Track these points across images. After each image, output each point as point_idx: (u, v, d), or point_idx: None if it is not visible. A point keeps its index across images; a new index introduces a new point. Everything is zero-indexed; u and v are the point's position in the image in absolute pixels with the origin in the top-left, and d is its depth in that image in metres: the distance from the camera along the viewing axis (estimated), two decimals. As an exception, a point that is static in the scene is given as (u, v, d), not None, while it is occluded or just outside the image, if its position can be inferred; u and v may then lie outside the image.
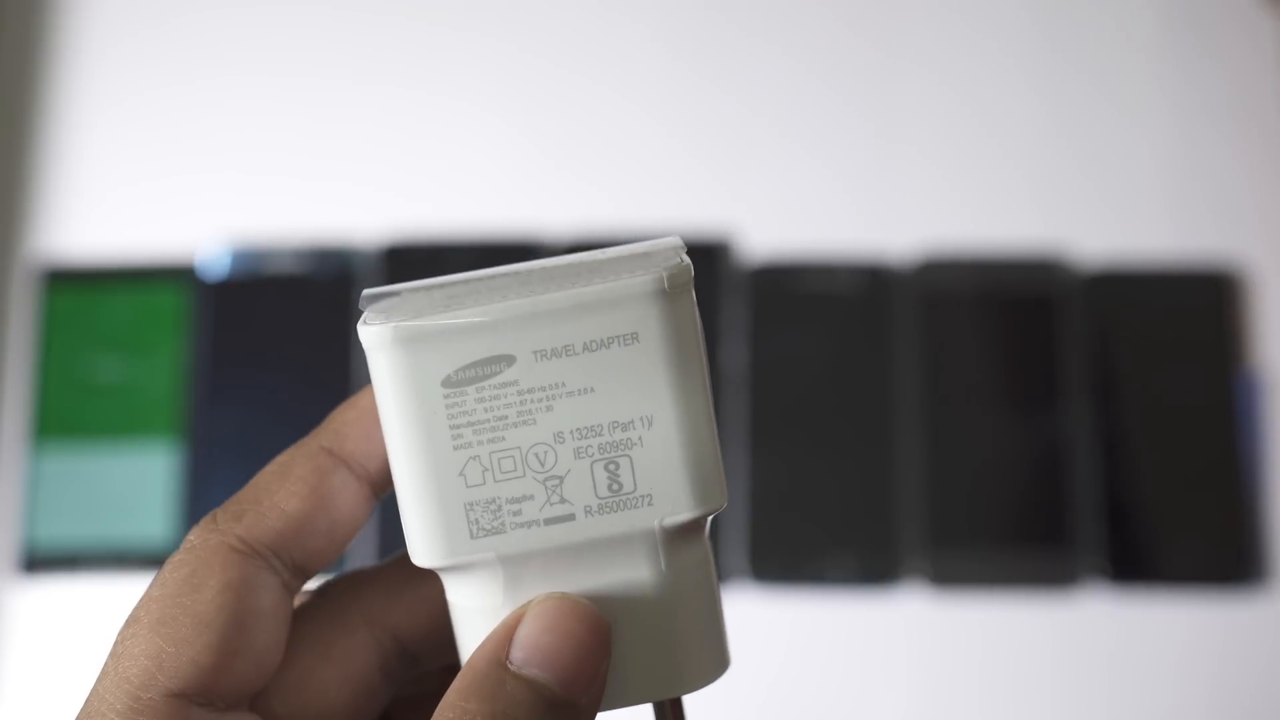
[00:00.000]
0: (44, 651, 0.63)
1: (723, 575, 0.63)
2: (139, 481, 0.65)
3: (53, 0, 0.72)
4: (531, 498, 0.24)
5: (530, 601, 0.25)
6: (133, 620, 0.25)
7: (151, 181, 0.70)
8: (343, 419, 0.27)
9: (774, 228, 0.67)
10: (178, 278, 0.68)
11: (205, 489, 0.64)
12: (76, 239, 0.69)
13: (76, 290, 0.68)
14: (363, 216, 0.68)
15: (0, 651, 0.63)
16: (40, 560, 0.64)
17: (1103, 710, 0.61)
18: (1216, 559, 0.62)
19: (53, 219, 0.69)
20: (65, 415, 0.66)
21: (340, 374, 0.65)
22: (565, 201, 0.68)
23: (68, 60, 0.71)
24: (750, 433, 0.64)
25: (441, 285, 0.25)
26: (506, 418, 0.24)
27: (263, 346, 0.66)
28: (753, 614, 0.62)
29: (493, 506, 0.24)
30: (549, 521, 0.24)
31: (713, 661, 0.26)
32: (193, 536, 0.25)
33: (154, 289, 0.68)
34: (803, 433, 0.64)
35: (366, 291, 0.25)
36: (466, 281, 0.25)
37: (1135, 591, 0.62)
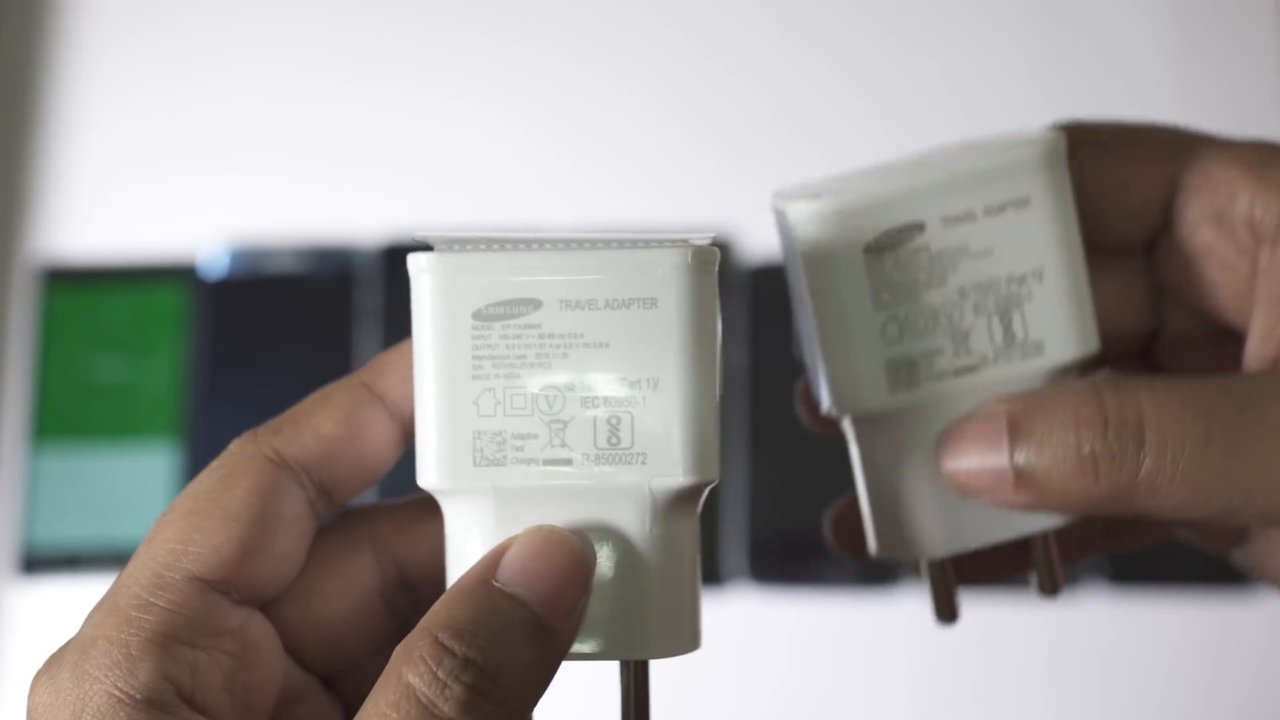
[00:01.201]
0: (44, 652, 0.63)
1: (723, 576, 0.63)
2: (139, 481, 0.65)
3: (53, 0, 0.72)
4: (535, 437, 0.26)
5: (522, 531, 0.26)
6: (168, 510, 0.27)
7: (151, 181, 0.70)
8: (385, 360, 0.28)
9: (775, 227, 0.67)
10: (178, 278, 0.68)
11: (205, 489, 0.64)
12: (76, 239, 0.69)
13: (76, 290, 0.68)
14: (362, 216, 0.68)
15: (0, 652, 0.63)
16: (40, 560, 0.64)
17: (1101, 711, 0.61)
18: (1214, 560, 0.62)
19: (53, 219, 0.69)
20: (65, 415, 0.66)
21: (340, 373, 0.65)
22: (565, 201, 0.68)
23: (68, 60, 0.71)
24: (750, 433, 0.64)
25: (490, 238, 0.27)
26: (525, 358, 0.26)
27: (262, 346, 0.66)
28: (752, 615, 0.62)
29: (498, 439, 0.26)
30: (547, 462, 0.26)
31: (683, 635, 0.27)
32: (233, 445, 0.27)
33: (154, 289, 0.68)
34: (803, 433, 0.64)
35: (420, 233, 0.27)
36: (515, 239, 0.27)
37: (1134, 593, 0.62)
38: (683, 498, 0.26)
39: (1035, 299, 0.28)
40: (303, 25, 0.71)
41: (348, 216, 0.68)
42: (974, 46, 0.70)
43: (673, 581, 0.26)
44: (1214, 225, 0.28)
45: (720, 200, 0.68)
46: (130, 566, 0.26)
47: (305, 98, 0.70)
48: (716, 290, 0.26)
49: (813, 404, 0.31)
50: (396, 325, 0.65)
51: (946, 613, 0.30)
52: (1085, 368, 0.28)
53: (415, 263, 0.26)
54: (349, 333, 0.65)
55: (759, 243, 0.67)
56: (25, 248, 0.69)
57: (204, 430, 0.65)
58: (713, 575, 0.63)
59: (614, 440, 0.26)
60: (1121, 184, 0.29)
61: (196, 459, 0.65)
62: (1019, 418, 0.27)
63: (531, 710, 0.25)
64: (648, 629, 0.26)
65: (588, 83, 0.70)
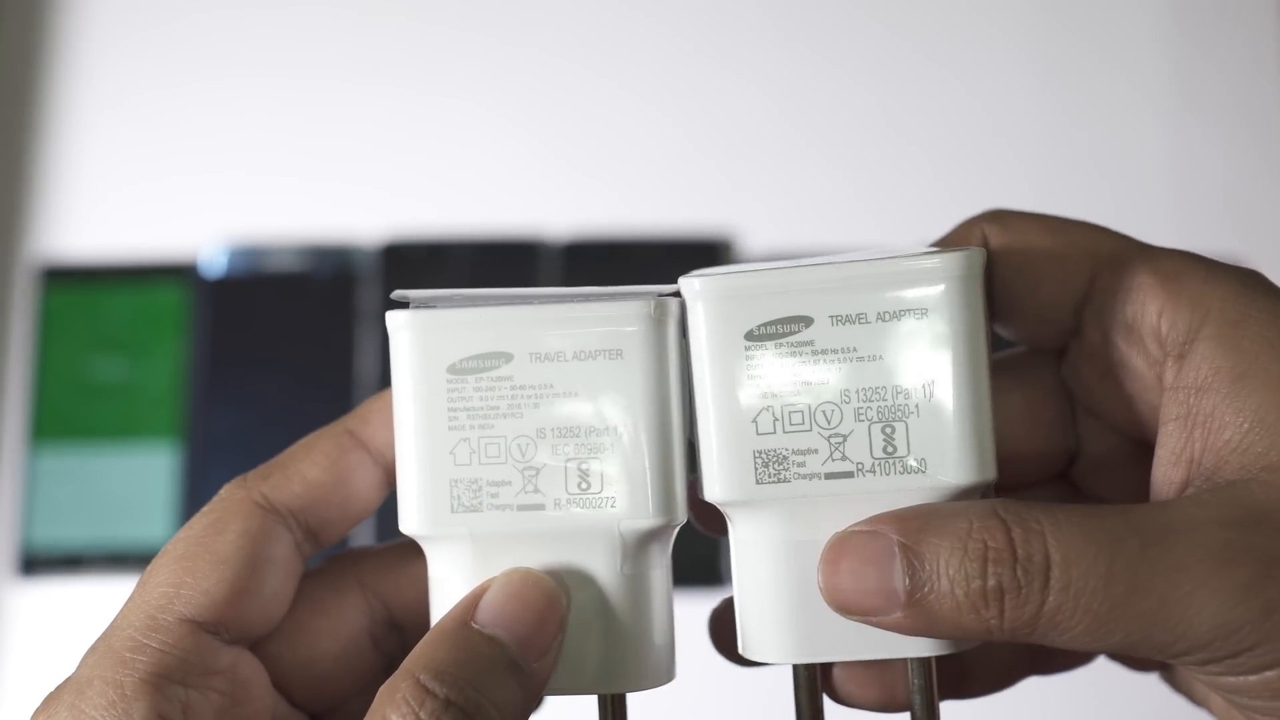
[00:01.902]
0: (43, 653, 0.63)
1: (721, 576, 0.63)
2: (139, 481, 0.65)
3: (53, 0, 0.72)
4: (509, 483, 0.27)
5: (499, 574, 0.27)
6: (161, 555, 0.28)
7: (151, 181, 0.70)
8: (369, 408, 0.30)
9: (775, 227, 0.67)
10: (178, 277, 0.68)
11: (205, 489, 0.64)
12: (76, 239, 0.69)
13: (76, 290, 0.68)
14: (362, 216, 0.68)
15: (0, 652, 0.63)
16: (39, 561, 0.64)
17: (1101, 710, 0.61)
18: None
19: (53, 219, 0.69)
20: (65, 415, 0.66)
21: (340, 372, 0.65)
22: (565, 200, 0.68)
23: (68, 60, 0.71)
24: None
25: (467, 295, 0.28)
26: (498, 408, 0.27)
27: (262, 346, 0.66)
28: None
29: (474, 486, 0.27)
30: (521, 508, 0.27)
31: (657, 669, 0.28)
32: (223, 491, 0.29)
33: (154, 289, 0.68)
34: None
35: (399, 292, 0.28)
36: (489, 295, 0.28)
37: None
38: (651, 538, 0.27)
39: (921, 416, 0.26)
40: (303, 25, 0.71)
41: (348, 216, 0.68)
42: (974, 47, 0.70)
43: (645, 618, 0.28)
44: (1124, 335, 0.28)
45: (720, 200, 0.68)
46: (124, 609, 0.27)
47: (305, 98, 0.70)
48: (678, 340, 0.27)
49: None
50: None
51: None
52: (981, 491, 0.27)
53: (393, 320, 0.27)
54: (349, 332, 0.65)
55: (759, 243, 0.67)
56: (25, 248, 0.69)
57: (204, 430, 0.65)
58: (713, 576, 0.63)
59: (584, 485, 0.27)
60: (1032, 280, 0.28)
61: (196, 459, 0.65)
62: (913, 538, 0.25)
63: None
64: (623, 664, 0.27)
65: (588, 83, 0.70)
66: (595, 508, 0.27)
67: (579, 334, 0.27)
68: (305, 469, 0.29)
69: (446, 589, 0.27)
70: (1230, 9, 0.69)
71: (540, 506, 0.27)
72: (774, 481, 0.27)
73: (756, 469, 0.27)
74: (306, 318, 0.66)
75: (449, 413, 0.27)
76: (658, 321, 0.27)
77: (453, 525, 0.27)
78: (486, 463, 0.27)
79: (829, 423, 0.27)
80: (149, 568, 0.28)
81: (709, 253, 0.66)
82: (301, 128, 0.70)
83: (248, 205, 0.69)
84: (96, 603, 0.65)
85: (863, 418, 0.26)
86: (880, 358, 0.26)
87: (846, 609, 0.26)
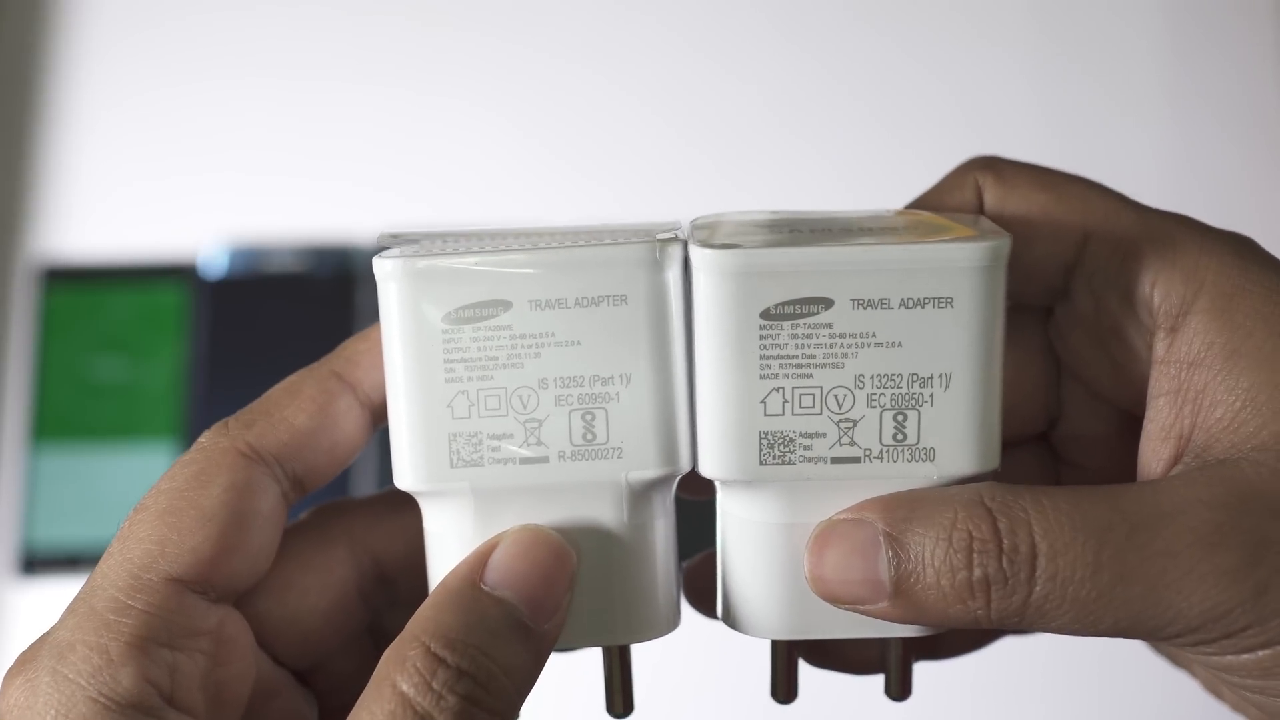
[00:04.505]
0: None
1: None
2: (139, 481, 0.65)
3: (53, 0, 0.72)
4: (511, 436, 0.26)
5: (506, 530, 0.26)
6: (141, 508, 0.26)
7: (151, 181, 0.70)
8: (354, 348, 0.28)
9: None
10: (178, 277, 0.68)
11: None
12: (76, 239, 0.69)
13: (76, 290, 0.68)
14: (362, 216, 0.68)
15: (0, 652, 0.63)
16: (39, 561, 0.64)
17: (1102, 708, 0.61)
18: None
19: (53, 219, 0.69)
20: (65, 415, 0.66)
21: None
22: (564, 200, 0.68)
23: (68, 60, 0.71)
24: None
25: (458, 235, 0.27)
26: (497, 359, 0.26)
27: (262, 346, 0.66)
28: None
29: (474, 440, 0.26)
30: (524, 461, 0.26)
31: (661, 619, 0.28)
32: (204, 438, 0.27)
33: (154, 289, 0.68)
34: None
35: (385, 232, 0.27)
36: (481, 234, 0.27)
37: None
38: (656, 486, 0.27)
39: (936, 405, 0.26)
40: (303, 25, 0.71)
41: (348, 216, 0.68)
42: (972, 47, 0.70)
43: (649, 568, 0.27)
44: (1115, 304, 0.27)
45: (720, 200, 0.68)
46: (104, 566, 0.26)
47: (305, 98, 0.70)
48: (680, 284, 0.26)
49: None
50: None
51: (782, 693, 0.29)
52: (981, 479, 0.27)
53: (381, 269, 0.26)
54: (349, 332, 0.65)
55: (759, 242, 0.67)
56: (25, 248, 0.69)
57: (203, 430, 0.65)
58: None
59: (589, 436, 0.26)
60: (1024, 236, 0.27)
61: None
62: (899, 526, 0.25)
63: (521, 706, 0.25)
64: (629, 615, 0.27)
65: (587, 83, 0.70)
66: (600, 458, 0.26)
67: (581, 280, 0.26)
68: (291, 415, 0.27)
69: (446, 545, 0.27)
70: (1230, 9, 0.69)
71: (544, 459, 0.26)
72: (778, 463, 0.26)
73: (761, 450, 0.26)
74: (306, 318, 0.66)
75: (445, 365, 0.26)
76: (663, 265, 0.26)
77: (453, 480, 0.26)
78: (486, 415, 0.26)
79: (840, 407, 0.26)
80: (128, 521, 0.26)
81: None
82: (301, 128, 0.70)
83: (248, 205, 0.69)
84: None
85: (875, 404, 0.26)
86: (899, 344, 0.25)
87: (832, 598, 0.26)
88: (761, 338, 0.26)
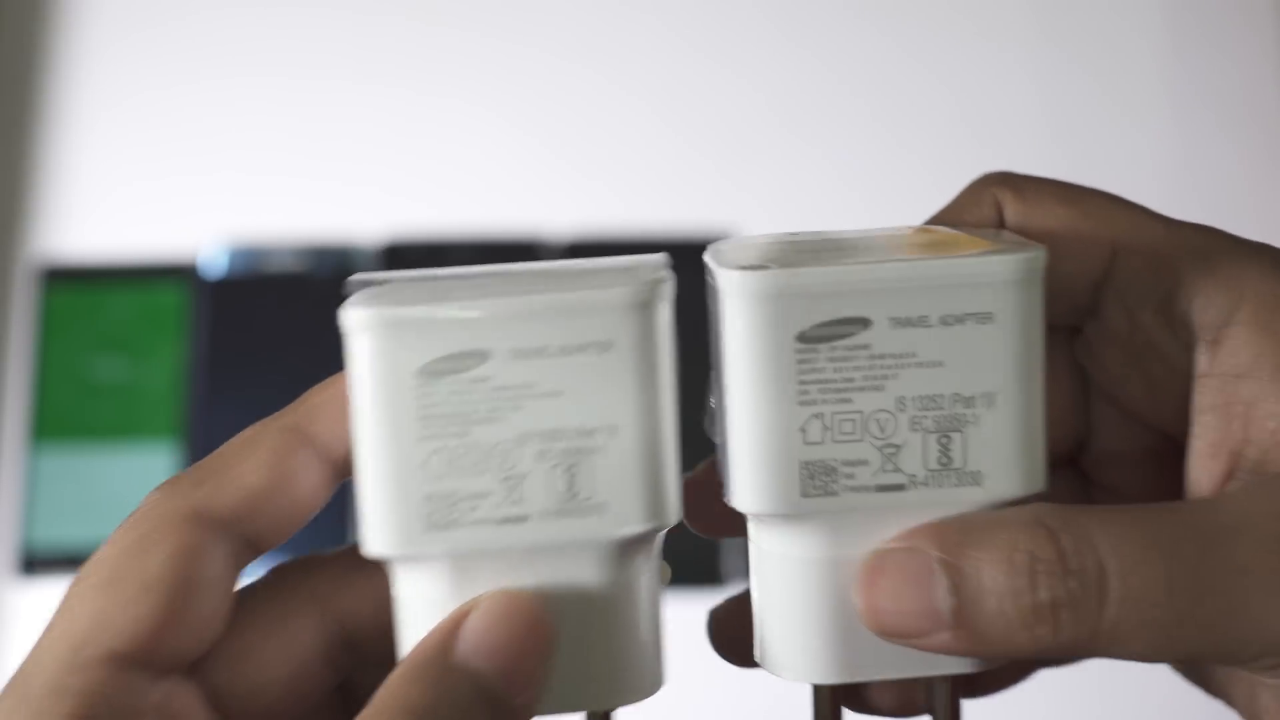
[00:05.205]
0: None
1: (721, 578, 0.63)
2: (139, 481, 0.65)
3: (53, 0, 0.72)
4: (488, 495, 0.24)
5: (480, 596, 0.24)
6: (80, 579, 0.25)
7: (151, 181, 0.70)
8: (316, 400, 0.26)
9: (775, 227, 0.67)
10: (178, 277, 0.68)
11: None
12: (76, 239, 0.69)
13: (76, 290, 0.68)
14: (362, 216, 0.68)
15: None
16: (39, 561, 0.64)
17: (1103, 708, 0.61)
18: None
19: (53, 219, 0.69)
20: (65, 415, 0.66)
21: (340, 373, 0.65)
22: (564, 200, 0.68)
23: (68, 60, 0.71)
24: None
25: (428, 278, 0.25)
26: (475, 413, 0.24)
27: (262, 346, 0.66)
28: (750, 619, 0.62)
29: (449, 500, 0.24)
30: (502, 521, 0.24)
31: (648, 680, 0.26)
32: (149, 500, 0.25)
33: (154, 289, 0.68)
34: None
35: (354, 277, 0.25)
36: (453, 277, 0.25)
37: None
38: (641, 542, 0.25)
39: (982, 425, 0.24)
40: (303, 25, 0.71)
41: (348, 216, 0.68)
42: (973, 48, 0.70)
43: (634, 629, 0.26)
44: (1150, 319, 0.26)
45: (720, 200, 0.68)
46: (40, 645, 0.25)
47: (305, 98, 0.70)
48: (670, 325, 0.25)
49: (707, 492, 0.27)
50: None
51: None
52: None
53: (351, 319, 0.24)
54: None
55: (759, 243, 0.67)
56: (25, 248, 0.69)
57: (204, 430, 0.65)
58: (714, 576, 0.63)
59: (572, 492, 0.24)
60: (1051, 253, 0.25)
61: (196, 459, 0.64)
62: (955, 552, 0.23)
63: None
64: (612, 679, 0.26)
65: (588, 83, 0.70)
66: (583, 515, 0.24)
67: (563, 325, 0.24)
68: (245, 473, 0.25)
69: (417, 612, 0.25)
70: (1230, 9, 0.69)
71: (523, 518, 0.24)
72: (820, 494, 0.25)
73: (802, 481, 0.25)
74: (306, 318, 0.66)
75: (420, 421, 0.24)
76: (648, 308, 0.24)
77: (427, 544, 0.24)
78: (463, 474, 0.24)
79: (882, 432, 0.25)
80: (65, 595, 0.25)
81: (709, 253, 0.66)
82: (301, 128, 0.70)
83: (248, 205, 0.69)
84: (96, 603, 0.65)
85: (918, 427, 0.25)
86: (941, 363, 0.24)
87: (887, 632, 0.24)
88: (798, 362, 0.24)
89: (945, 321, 0.24)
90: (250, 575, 0.27)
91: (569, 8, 0.71)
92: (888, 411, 0.25)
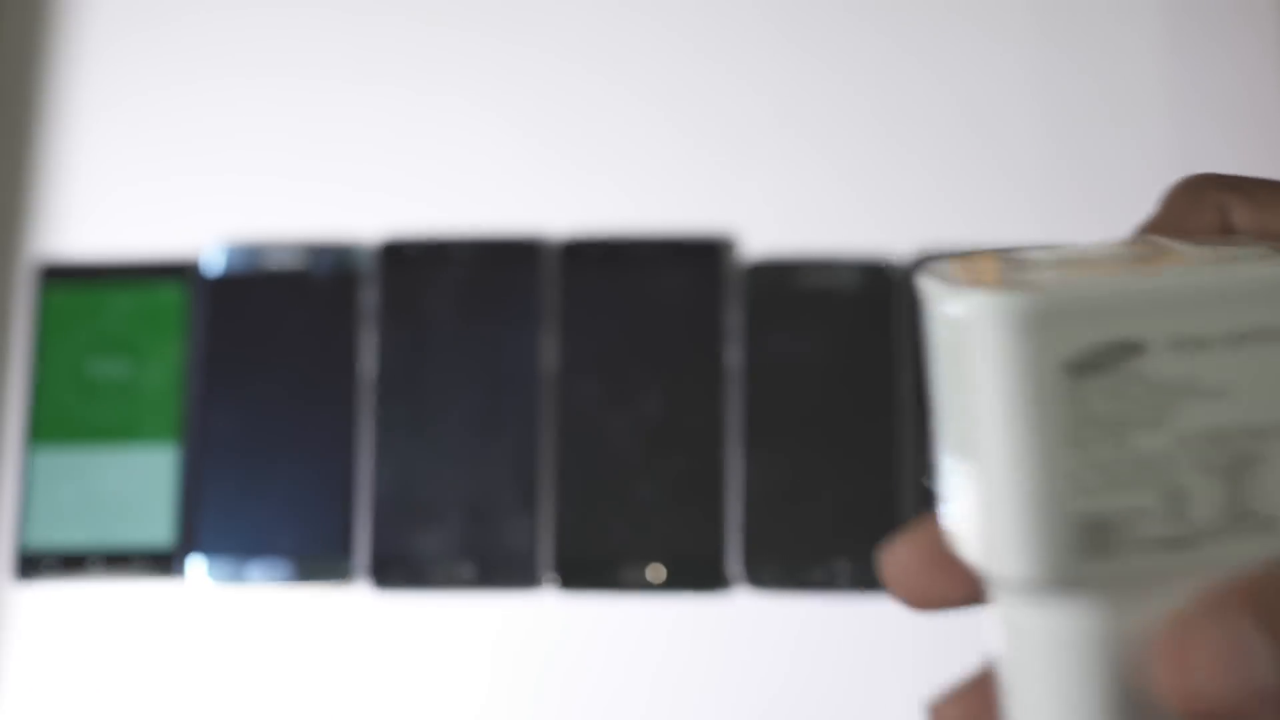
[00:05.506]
0: (41, 655, 0.63)
1: (720, 582, 0.63)
2: (138, 482, 0.65)
3: (53, 0, 0.72)
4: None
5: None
6: None
7: (151, 181, 0.70)
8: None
9: (775, 226, 0.67)
10: (178, 277, 0.68)
11: (205, 489, 0.64)
12: (76, 238, 0.69)
13: (76, 290, 0.68)
14: (362, 216, 0.68)
15: (-1, 651, 0.63)
16: (38, 561, 0.64)
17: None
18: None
19: (53, 219, 0.69)
20: (64, 415, 0.66)
21: (341, 373, 0.65)
22: (564, 200, 0.68)
23: (68, 60, 0.71)
24: (746, 433, 0.64)
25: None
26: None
27: (263, 346, 0.66)
28: (752, 617, 0.62)
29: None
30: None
31: None
32: None
33: (154, 288, 0.68)
34: (800, 433, 0.64)
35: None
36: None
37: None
38: None
39: (1273, 463, 0.21)
40: (303, 25, 0.71)
41: (348, 216, 0.68)
42: (973, 47, 0.69)
43: None
44: None
45: (720, 200, 0.68)
46: None
47: (305, 98, 0.70)
48: None
49: (921, 557, 0.24)
50: (395, 325, 0.65)
51: None
52: None
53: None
54: (349, 332, 0.65)
55: (758, 243, 0.67)
56: (25, 248, 0.69)
57: (204, 430, 0.65)
58: (717, 579, 0.63)
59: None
60: None
61: (196, 459, 0.64)
62: (1275, 616, 0.20)
63: None
64: None
65: (588, 83, 0.70)
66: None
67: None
68: None
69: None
70: (1230, 9, 0.69)
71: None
72: (1099, 555, 0.21)
73: (1079, 538, 0.21)
74: (306, 318, 0.66)
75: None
76: None
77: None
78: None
79: (1165, 475, 0.21)
80: None
81: (709, 253, 0.66)
82: (301, 127, 0.70)
83: (248, 205, 0.69)
84: (96, 604, 0.65)
85: (1203, 468, 0.21)
86: (1225, 393, 0.21)
87: (1204, 714, 0.21)
88: (1066, 397, 0.21)
89: (1228, 342, 0.21)
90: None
91: (569, 8, 0.71)
92: (1168, 451, 0.21)
